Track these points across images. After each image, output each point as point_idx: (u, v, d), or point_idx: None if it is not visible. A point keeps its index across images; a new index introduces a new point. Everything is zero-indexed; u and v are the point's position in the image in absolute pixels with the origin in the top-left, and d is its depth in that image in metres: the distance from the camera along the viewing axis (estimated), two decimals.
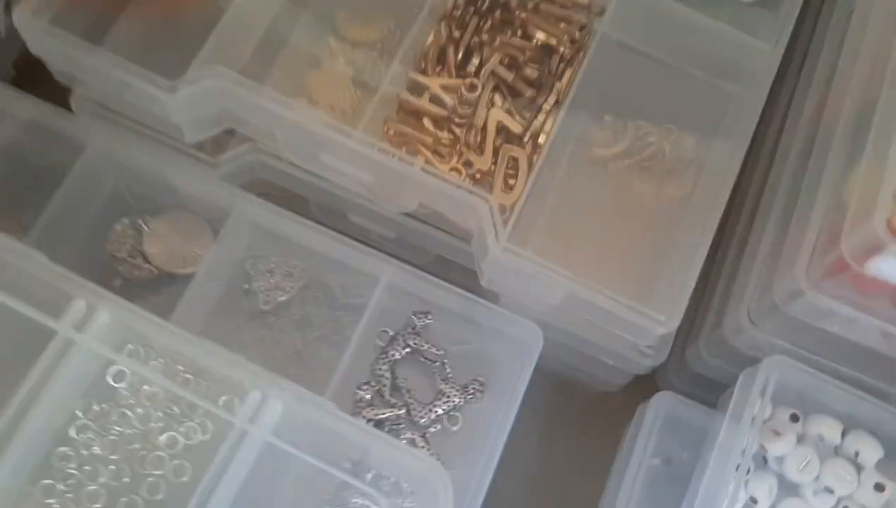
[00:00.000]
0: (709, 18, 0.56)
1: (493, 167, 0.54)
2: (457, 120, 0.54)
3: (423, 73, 0.55)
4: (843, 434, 0.52)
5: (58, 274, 0.49)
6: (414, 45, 0.55)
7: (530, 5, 0.57)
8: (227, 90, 0.52)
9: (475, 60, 0.55)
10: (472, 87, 0.54)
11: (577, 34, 0.56)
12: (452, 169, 0.53)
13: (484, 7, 0.57)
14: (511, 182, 0.53)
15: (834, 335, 0.50)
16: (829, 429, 0.52)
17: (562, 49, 0.56)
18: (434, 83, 0.54)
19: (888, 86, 0.47)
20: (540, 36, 0.56)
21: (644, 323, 0.50)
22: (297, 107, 0.52)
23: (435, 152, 0.54)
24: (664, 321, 0.50)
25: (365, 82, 0.57)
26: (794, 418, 0.53)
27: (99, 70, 0.52)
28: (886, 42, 0.50)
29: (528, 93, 0.55)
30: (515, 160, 0.54)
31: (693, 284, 0.52)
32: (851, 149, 0.49)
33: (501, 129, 0.54)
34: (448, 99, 0.54)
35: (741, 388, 0.52)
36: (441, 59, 0.56)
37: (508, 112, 0.55)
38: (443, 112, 0.54)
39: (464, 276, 0.58)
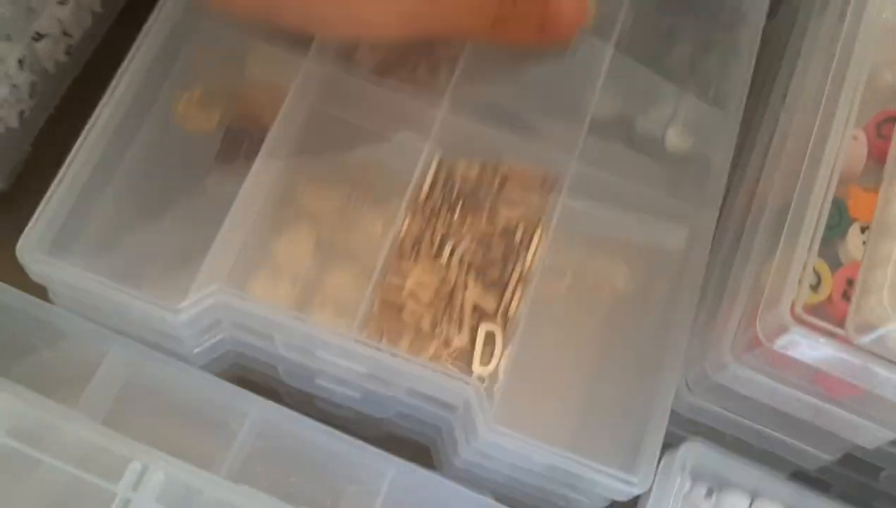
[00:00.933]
0: (647, 188, 0.60)
1: (470, 344, 0.56)
2: (435, 307, 0.56)
3: (400, 264, 0.57)
4: (751, 505, 0.58)
5: None
6: (393, 238, 0.57)
7: (493, 191, 0.60)
8: (233, 307, 0.54)
9: (448, 247, 0.58)
10: (448, 274, 0.57)
11: (533, 214, 0.60)
12: (434, 352, 0.56)
13: (453, 197, 0.59)
14: (487, 357, 0.56)
15: (760, 402, 0.55)
16: (738, 501, 0.57)
17: (521, 230, 0.59)
18: (412, 275, 0.57)
19: (801, 184, 0.52)
20: (501, 220, 0.59)
21: (620, 487, 0.54)
22: (298, 316, 0.55)
23: (416, 339, 0.56)
24: (636, 483, 0.54)
25: (325, 251, 0.59)
26: (710, 492, 0.58)
27: (104, 296, 0.53)
28: (803, 143, 0.53)
29: (497, 273, 0.58)
30: (492, 335, 0.57)
31: (659, 444, 0.55)
32: (771, 239, 0.54)
33: (476, 308, 0.57)
34: (426, 288, 0.56)
35: (663, 468, 0.56)
36: (416, 248, 0.58)
37: (482, 290, 0.57)
38: (422, 301, 0.56)
39: None
